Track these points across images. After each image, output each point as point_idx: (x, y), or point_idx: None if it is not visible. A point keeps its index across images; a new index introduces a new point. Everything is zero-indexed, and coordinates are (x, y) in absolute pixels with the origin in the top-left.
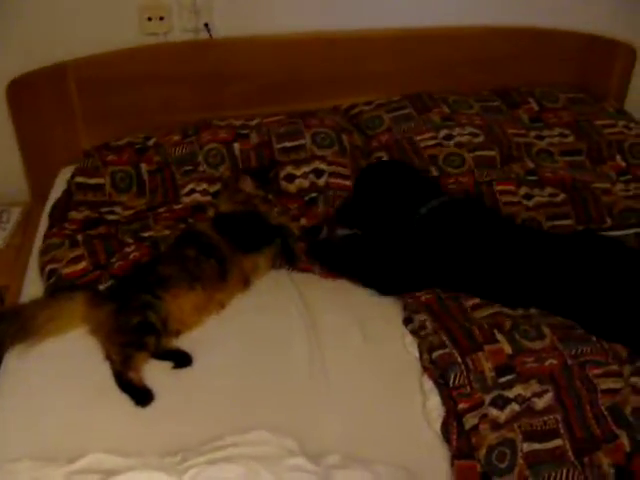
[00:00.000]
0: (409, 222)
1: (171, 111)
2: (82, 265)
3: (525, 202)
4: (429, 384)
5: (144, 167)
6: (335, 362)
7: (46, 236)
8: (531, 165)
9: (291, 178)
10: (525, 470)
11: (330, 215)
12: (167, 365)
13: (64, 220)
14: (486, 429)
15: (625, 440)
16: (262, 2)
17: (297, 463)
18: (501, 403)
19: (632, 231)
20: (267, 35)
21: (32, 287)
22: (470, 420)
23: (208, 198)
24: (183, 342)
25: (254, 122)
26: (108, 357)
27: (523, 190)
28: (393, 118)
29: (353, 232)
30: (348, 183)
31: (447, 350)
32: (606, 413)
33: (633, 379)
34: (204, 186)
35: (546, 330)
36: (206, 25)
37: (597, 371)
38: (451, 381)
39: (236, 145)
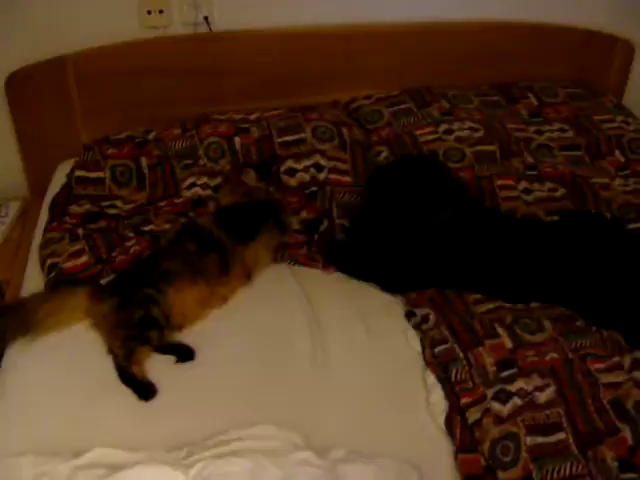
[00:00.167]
0: (423, 231)
1: (170, 105)
2: (83, 259)
3: (525, 197)
4: (432, 378)
5: (144, 161)
6: (338, 356)
7: (46, 230)
8: (531, 160)
9: (292, 172)
10: (529, 463)
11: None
12: (170, 359)
13: (64, 214)
14: (489, 423)
15: (628, 433)
16: None
17: (304, 457)
18: (503, 397)
19: (631, 226)
20: (267, 29)
21: (32, 281)
22: (473, 414)
23: (208, 192)
24: (186, 336)
25: (254, 116)
26: (111, 351)
27: (522, 185)
28: (393, 112)
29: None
30: (347, 179)
31: (449, 345)
32: (608, 407)
33: (636, 373)
34: (204, 180)
35: (546, 323)
36: (206, 19)
37: (599, 365)
38: (453, 376)
39: (237, 139)
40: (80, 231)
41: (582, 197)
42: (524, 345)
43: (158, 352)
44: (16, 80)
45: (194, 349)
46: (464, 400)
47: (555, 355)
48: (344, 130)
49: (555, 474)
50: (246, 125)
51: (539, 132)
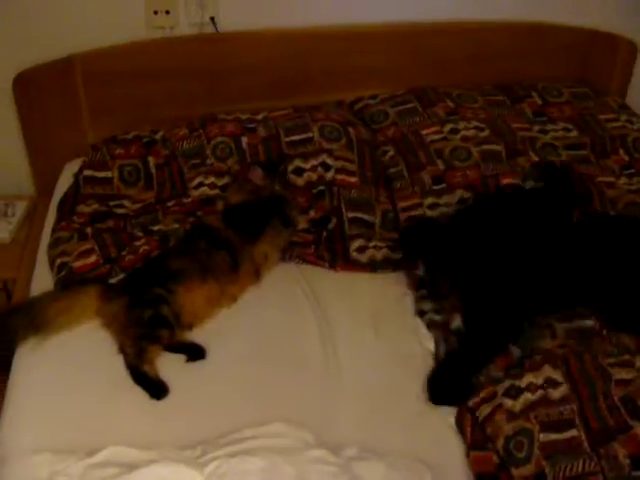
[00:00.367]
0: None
1: (177, 105)
2: (93, 259)
3: None
4: None
5: (152, 161)
6: (348, 355)
7: (54, 230)
8: (536, 159)
9: (300, 171)
10: (542, 460)
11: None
12: (181, 358)
13: (72, 213)
14: (502, 419)
15: None
16: None
17: (318, 455)
18: (514, 393)
19: None
20: (272, 29)
21: (41, 280)
22: (484, 409)
23: (216, 191)
24: (197, 335)
25: (260, 116)
26: (121, 350)
27: (529, 184)
28: (398, 112)
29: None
30: (354, 180)
31: None
32: (619, 404)
33: None
34: (212, 179)
35: (559, 330)
36: (212, 19)
37: (610, 360)
38: None
39: (244, 138)
40: (89, 230)
41: (587, 196)
42: (532, 353)
43: (169, 351)
44: (23, 80)
45: (205, 348)
46: (474, 400)
47: (566, 350)
48: (351, 130)
49: (568, 471)
50: (253, 125)
51: (543, 131)
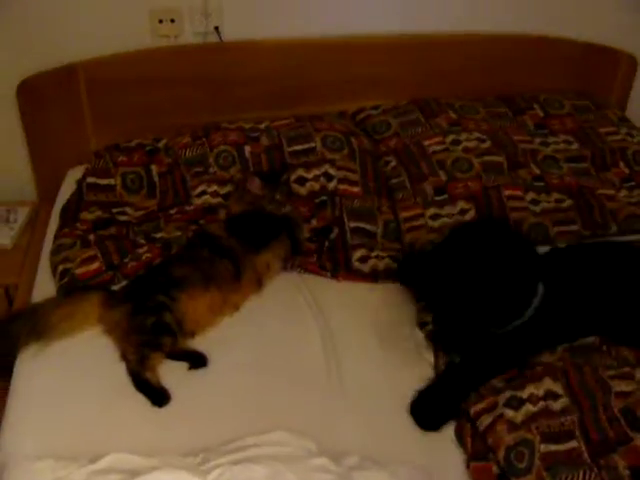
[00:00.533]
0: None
1: (180, 113)
2: (95, 265)
3: (532, 207)
4: None
5: (155, 169)
6: (350, 364)
7: (57, 236)
8: (537, 171)
9: (302, 181)
10: (543, 471)
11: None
12: (183, 366)
13: (75, 220)
14: (503, 430)
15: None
16: (272, 6)
17: (320, 463)
18: (515, 404)
19: (637, 237)
20: (276, 39)
21: (43, 287)
22: (485, 419)
23: (219, 199)
24: (199, 343)
25: (263, 125)
26: (124, 357)
27: (530, 196)
28: (400, 123)
29: None
30: (356, 190)
31: None
32: (619, 415)
33: None
34: (215, 187)
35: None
36: (216, 28)
37: (610, 372)
38: None
39: (247, 147)
40: (91, 237)
41: (588, 208)
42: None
43: (171, 359)
44: (27, 87)
45: (207, 356)
46: (474, 409)
47: (565, 362)
48: (353, 140)
49: None
50: (256, 134)
51: (545, 144)
